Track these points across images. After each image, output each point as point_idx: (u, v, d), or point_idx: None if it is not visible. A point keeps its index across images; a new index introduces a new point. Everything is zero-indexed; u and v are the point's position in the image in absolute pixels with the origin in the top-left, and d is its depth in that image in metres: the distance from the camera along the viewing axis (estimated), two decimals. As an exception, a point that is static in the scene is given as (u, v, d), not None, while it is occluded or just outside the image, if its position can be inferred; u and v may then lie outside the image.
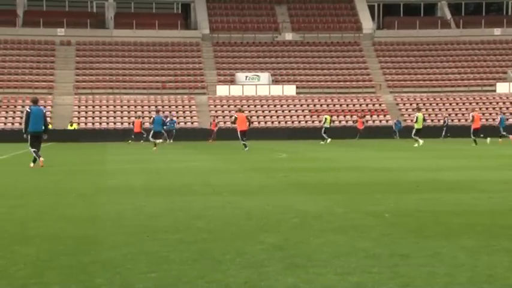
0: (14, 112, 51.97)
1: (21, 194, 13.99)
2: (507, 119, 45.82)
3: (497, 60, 59.86)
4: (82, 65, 58.01)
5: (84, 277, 6.40)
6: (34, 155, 20.48)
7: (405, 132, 45.55)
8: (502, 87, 56.84)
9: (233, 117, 33.84)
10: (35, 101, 20.87)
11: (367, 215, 10.28)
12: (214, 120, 50.68)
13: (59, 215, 10.69)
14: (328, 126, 42.94)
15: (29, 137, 20.21)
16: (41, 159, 20.35)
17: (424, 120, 38.26)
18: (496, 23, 63.27)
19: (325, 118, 43.44)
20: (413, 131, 35.82)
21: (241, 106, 54.00)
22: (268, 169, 20.24)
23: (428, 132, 45.91)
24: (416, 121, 36.10)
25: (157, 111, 39.06)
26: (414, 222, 9.56)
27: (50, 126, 28.22)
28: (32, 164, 20.45)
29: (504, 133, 42.08)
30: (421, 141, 34.52)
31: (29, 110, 20.02)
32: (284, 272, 6.50)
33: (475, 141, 36.81)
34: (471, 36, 61.77)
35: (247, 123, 32.22)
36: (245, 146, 31.33)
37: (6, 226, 9.58)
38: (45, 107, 48.30)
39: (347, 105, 53.80)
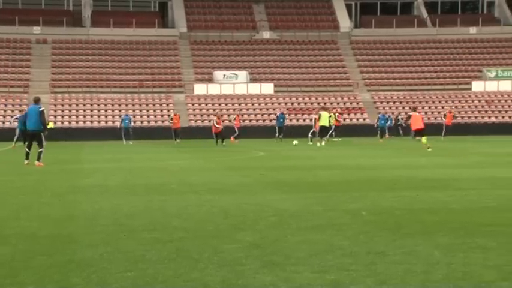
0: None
1: (1, 194, 13.88)
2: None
3: (472, 59, 60.31)
4: (58, 63, 57.58)
5: (60, 277, 6.36)
6: (26, 151, 20.85)
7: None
8: (477, 86, 57.27)
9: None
10: (35, 100, 21.12)
11: (344, 213, 10.31)
12: (238, 116, 47.61)
13: (34, 214, 10.62)
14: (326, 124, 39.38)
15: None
16: (36, 163, 20.38)
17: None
18: (472, 21, 63.72)
19: (319, 114, 39.15)
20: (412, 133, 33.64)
21: (219, 105, 54.08)
22: (246, 167, 20.25)
23: (404, 130, 46.22)
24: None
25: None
26: (391, 219, 9.61)
27: (49, 125, 28.13)
28: (36, 162, 20.52)
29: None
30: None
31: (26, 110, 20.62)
32: (261, 271, 6.51)
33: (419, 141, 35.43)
34: (447, 35, 62.18)
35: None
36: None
37: (-19, 226, 9.51)
38: (20, 106, 48.03)
39: (324, 103, 53.89)
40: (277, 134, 44.04)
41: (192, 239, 8.28)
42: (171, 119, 44.63)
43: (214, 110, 53.67)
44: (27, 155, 20.86)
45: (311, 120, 42.66)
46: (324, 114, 35.04)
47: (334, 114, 43.70)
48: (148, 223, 9.54)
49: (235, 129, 44.02)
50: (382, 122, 45.76)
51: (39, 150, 20.51)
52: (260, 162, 23.18)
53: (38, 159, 20.45)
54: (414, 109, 33.16)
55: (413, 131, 32.12)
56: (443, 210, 10.46)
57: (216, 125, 37.86)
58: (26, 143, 21.32)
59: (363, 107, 54.29)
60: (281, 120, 43.73)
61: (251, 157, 26.35)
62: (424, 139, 29.89)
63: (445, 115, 46.07)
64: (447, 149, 31.05)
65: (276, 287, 5.92)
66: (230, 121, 45.87)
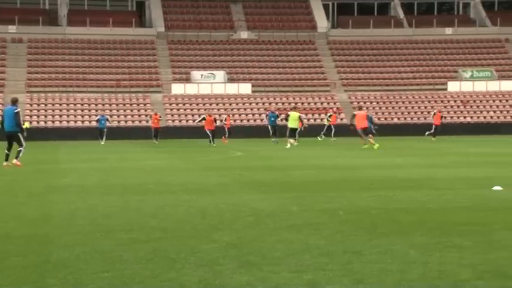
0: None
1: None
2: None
3: (448, 60, 60.73)
4: (34, 62, 57.16)
5: (35, 277, 6.32)
6: (5, 153, 20.57)
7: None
8: (453, 86, 57.69)
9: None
10: (13, 101, 20.94)
11: (320, 212, 10.33)
12: (229, 116, 47.80)
13: (10, 214, 10.53)
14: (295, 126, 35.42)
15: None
16: (14, 161, 20.19)
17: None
18: (448, 22, 64.15)
19: (288, 114, 36.37)
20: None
21: (197, 105, 53.97)
22: (223, 168, 20.24)
23: (380, 130, 46.32)
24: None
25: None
26: (367, 219, 9.64)
27: (25, 125, 27.78)
28: (14, 161, 20.30)
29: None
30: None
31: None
32: (238, 271, 6.51)
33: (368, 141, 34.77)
34: (423, 36, 62.58)
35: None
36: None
37: (-45, 226, 9.42)
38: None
39: (302, 103, 54.01)
40: (271, 134, 42.54)
41: (169, 239, 8.26)
42: (150, 117, 44.38)
43: (191, 110, 53.59)
44: (6, 157, 20.59)
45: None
46: (293, 115, 34.30)
47: (327, 114, 43.43)
48: (126, 223, 9.50)
49: (226, 129, 43.89)
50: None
51: (19, 149, 20.25)
52: (238, 162, 23.18)
53: (17, 157, 20.17)
54: (360, 108, 32.79)
55: (357, 129, 31.33)
56: (419, 210, 10.51)
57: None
58: (6, 145, 20.97)
59: (340, 107, 54.43)
60: (272, 119, 42.77)
61: (228, 157, 26.34)
62: (370, 138, 30.51)
63: (434, 114, 46.01)
64: (423, 149, 31.24)
65: (252, 287, 5.92)
66: (221, 121, 45.54)
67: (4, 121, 20.63)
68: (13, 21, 58.83)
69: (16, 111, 20.22)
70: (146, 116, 50.10)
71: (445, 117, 51.27)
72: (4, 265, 6.86)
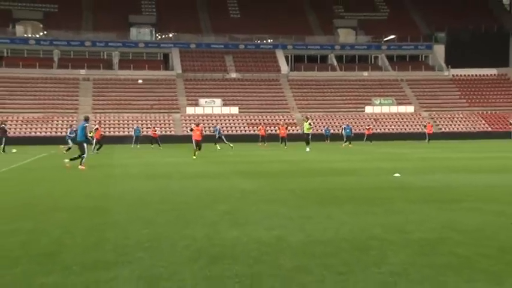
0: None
1: (58, 179, 13.64)
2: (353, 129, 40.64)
3: (365, 92, 60.83)
4: (97, 93, 56.44)
5: (99, 233, 6.33)
6: (81, 155, 17.47)
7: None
8: (368, 109, 58.02)
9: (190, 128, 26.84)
10: (85, 118, 18.48)
11: (285, 191, 10.37)
12: (263, 126, 43.60)
13: (80, 193, 10.48)
14: (309, 132, 30.06)
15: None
16: (79, 166, 16.90)
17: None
18: (364, 68, 64.45)
19: (305, 125, 30.21)
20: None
21: (203, 121, 53.75)
22: (221, 162, 20.22)
23: (317, 138, 46.53)
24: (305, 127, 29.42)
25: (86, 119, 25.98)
26: (315, 195, 9.69)
27: (90, 134, 26.31)
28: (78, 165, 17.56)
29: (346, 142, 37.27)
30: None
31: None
32: (231, 229, 6.53)
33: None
34: (349, 76, 62.70)
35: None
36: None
37: (43, 201, 9.34)
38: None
39: (271, 120, 53.99)
40: (262, 141, 39.67)
41: (186, 208, 8.26)
42: (191, 130, 37.99)
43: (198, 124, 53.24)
44: (80, 159, 17.60)
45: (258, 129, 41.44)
46: (306, 125, 29.20)
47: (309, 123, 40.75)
48: (158, 198, 9.49)
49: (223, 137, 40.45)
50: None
51: (82, 156, 17.19)
52: (230, 158, 23.15)
53: (81, 163, 17.07)
54: (197, 125, 25.82)
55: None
56: (351, 189, 10.56)
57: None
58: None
59: (296, 122, 54.47)
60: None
61: (224, 155, 26.26)
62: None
63: (425, 126, 44.09)
64: (353, 150, 31.35)
65: (240, 239, 5.94)
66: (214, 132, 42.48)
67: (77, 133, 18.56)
68: (83, 67, 58.33)
69: (84, 125, 18.01)
70: (170, 128, 49.53)
71: (362, 130, 51.33)
72: (77, 225, 6.83)
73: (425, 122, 53.67)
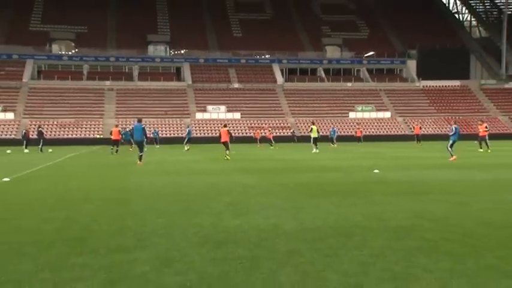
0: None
1: (87, 175, 13.60)
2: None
3: (349, 100, 60.64)
4: (120, 101, 56.36)
5: (120, 222, 6.31)
6: (139, 154, 17.16)
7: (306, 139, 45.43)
8: (352, 115, 58.01)
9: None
10: (139, 120, 17.38)
11: (279, 185, 10.37)
12: (258, 131, 42.60)
13: (103, 186, 10.47)
14: (316, 136, 26.69)
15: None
16: (139, 162, 16.92)
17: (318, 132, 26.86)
18: (349, 80, 64.36)
19: (311, 128, 27.13)
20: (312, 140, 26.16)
21: (210, 125, 53.65)
22: (223, 160, 20.18)
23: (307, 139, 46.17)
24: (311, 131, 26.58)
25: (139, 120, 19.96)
26: (306, 189, 9.69)
27: (100, 136, 26.68)
28: (138, 162, 17.12)
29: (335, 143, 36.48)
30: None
31: (132, 126, 17.89)
32: (234, 218, 6.53)
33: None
34: (336, 87, 62.57)
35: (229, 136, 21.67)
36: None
37: (75, 194, 9.32)
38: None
39: (268, 124, 53.91)
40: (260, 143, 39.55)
41: (195, 200, 8.25)
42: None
43: (207, 127, 53.30)
44: (140, 158, 17.24)
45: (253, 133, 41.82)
46: (314, 128, 26.54)
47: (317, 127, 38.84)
48: (170, 191, 9.48)
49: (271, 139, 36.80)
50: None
51: (140, 154, 17.13)
52: (232, 156, 23.09)
53: (140, 160, 17.01)
54: (224, 126, 22.51)
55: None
56: (337, 183, 10.55)
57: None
58: (139, 151, 17.35)
59: (290, 126, 54.42)
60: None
61: (227, 154, 26.15)
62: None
63: (413, 127, 43.10)
64: (338, 150, 31.28)
65: (241, 227, 5.94)
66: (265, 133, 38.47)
67: (134, 134, 17.45)
68: (108, 79, 58.30)
69: (143, 126, 16.98)
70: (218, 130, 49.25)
71: (347, 132, 51.35)
72: (103, 214, 6.81)
73: (412, 125, 53.32)
